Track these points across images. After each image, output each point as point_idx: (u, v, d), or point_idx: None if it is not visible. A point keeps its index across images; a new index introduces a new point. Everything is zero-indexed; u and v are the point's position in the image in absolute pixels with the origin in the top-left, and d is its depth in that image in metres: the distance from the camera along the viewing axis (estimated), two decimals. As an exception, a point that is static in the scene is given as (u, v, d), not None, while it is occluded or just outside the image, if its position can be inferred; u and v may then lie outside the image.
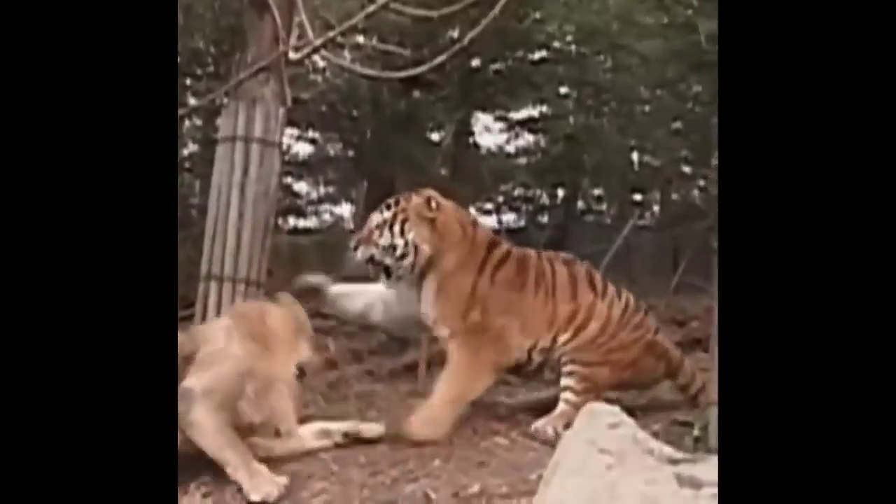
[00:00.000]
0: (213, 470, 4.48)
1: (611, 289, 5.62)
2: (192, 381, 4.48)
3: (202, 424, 4.44)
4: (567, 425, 4.17)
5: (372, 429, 5.01)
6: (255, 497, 4.32)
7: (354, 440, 4.95)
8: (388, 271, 5.44)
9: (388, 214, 5.44)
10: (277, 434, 4.75)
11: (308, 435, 4.89)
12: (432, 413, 5.17)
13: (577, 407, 4.68)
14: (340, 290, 5.63)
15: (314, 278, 5.68)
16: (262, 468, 4.43)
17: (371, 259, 5.42)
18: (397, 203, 5.47)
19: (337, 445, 4.92)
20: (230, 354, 4.61)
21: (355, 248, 5.45)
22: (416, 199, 5.48)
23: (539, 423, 5.20)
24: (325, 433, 4.94)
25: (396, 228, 5.38)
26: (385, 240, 5.37)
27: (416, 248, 5.36)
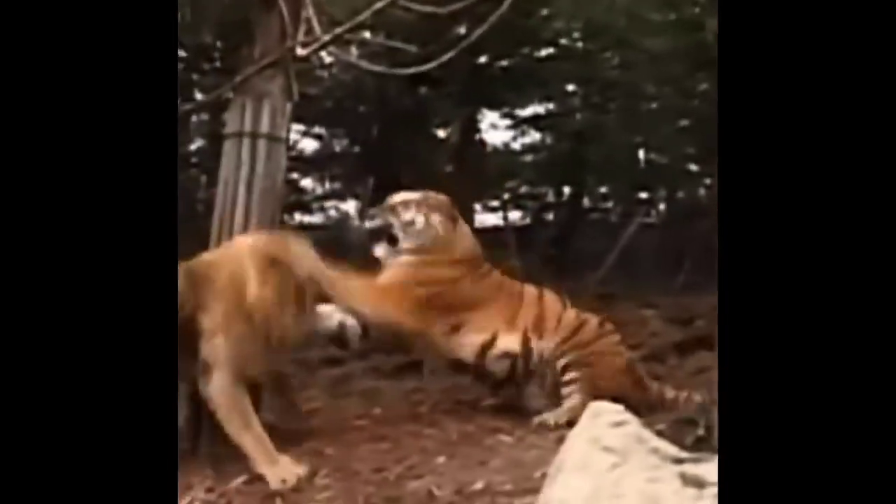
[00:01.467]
0: (216, 461, 4.50)
1: (584, 315, 5.76)
2: (208, 351, 4.53)
3: (219, 403, 4.50)
4: (570, 422, 4.18)
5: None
6: (274, 485, 4.36)
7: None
8: (393, 242, 5.73)
9: (414, 196, 5.78)
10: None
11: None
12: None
13: (581, 404, 4.72)
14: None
15: None
16: (282, 457, 4.47)
17: (387, 227, 5.75)
18: (426, 192, 5.82)
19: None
20: (231, 332, 4.62)
21: (373, 216, 5.84)
22: (442, 196, 5.83)
23: (544, 416, 5.24)
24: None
25: (423, 209, 5.69)
26: (407, 216, 5.69)
27: (434, 232, 5.67)
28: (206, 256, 4.93)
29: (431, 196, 5.81)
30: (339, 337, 5.31)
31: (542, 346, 5.53)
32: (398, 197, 5.80)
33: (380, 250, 5.76)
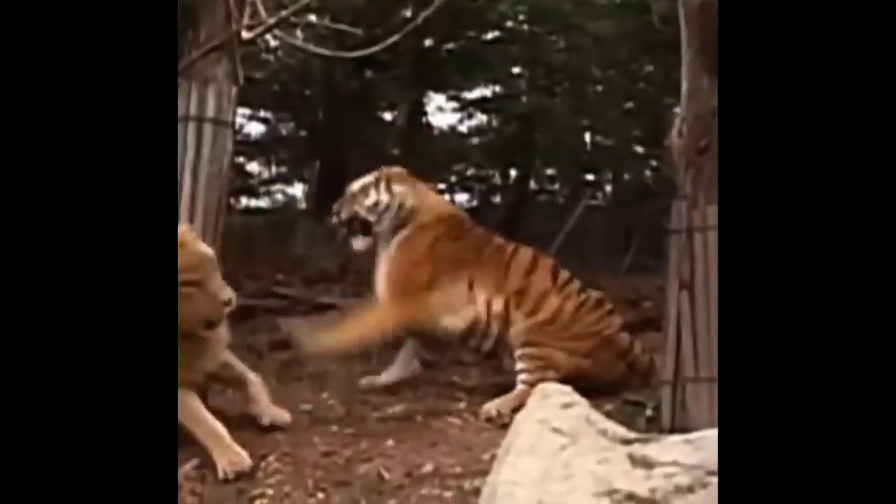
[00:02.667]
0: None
1: (573, 285, 5.72)
2: None
3: None
4: (517, 408, 4.21)
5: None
6: (220, 475, 4.35)
7: None
8: (366, 229, 5.77)
9: (370, 178, 5.83)
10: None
11: None
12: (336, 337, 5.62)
13: (530, 387, 4.75)
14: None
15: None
16: (233, 446, 4.45)
17: (354, 217, 5.78)
18: (380, 170, 5.89)
19: None
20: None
21: (338, 212, 5.83)
22: (396, 168, 5.95)
23: (489, 404, 5.23)
24: None
25: (382, 186, 5.76)
26: (370, 199, 5.74)
27: (401, 202, 5.73)
28: None
29: (386, 171, 5.88)
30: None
31: (516, 323, 5.58)
32: (356, 185, 5.84)
33: (358, 243, 5.85)
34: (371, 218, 5.73)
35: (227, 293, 4.55)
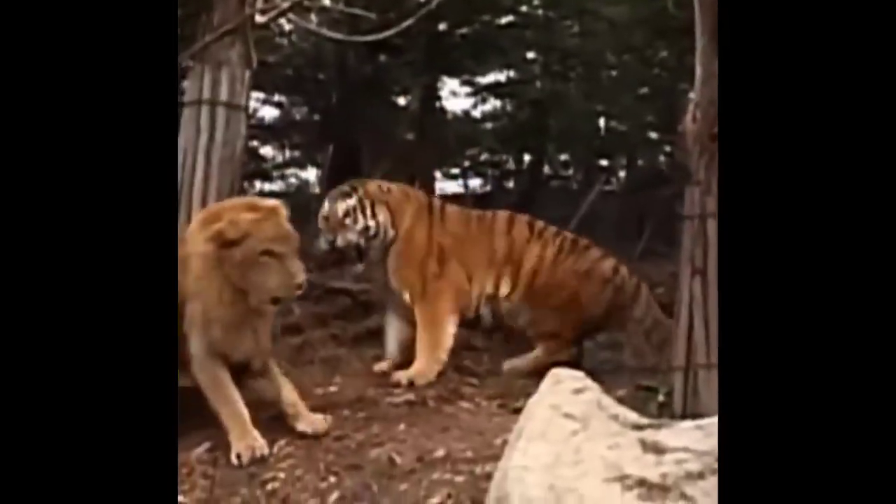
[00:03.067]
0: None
1: (548, 231, 6.03)
2: (186, 331, 4.54)
3: (198, 374, 4.51)
4: (532, 372, 4.28)
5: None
6: (233, 460, 4.36)
7: None
8: (361, 254, 5.81)
9: (352, 202, 5.77)
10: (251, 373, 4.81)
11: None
12: (421, 368, 5.55)
13: (547, 356, 4.94)
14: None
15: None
16: (252, 431, 4.46)
17: (348, 245, 5.78)
18: (356, 190, 5.81)
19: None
20: (203, 297, 4.60)
21: (332, 241, 5.82)
22: (371, 185, 5.89)
23: (510, 361, 5.69)
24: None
25: (368, 212, 5.74)
26: (360, 224, 5.72)
27: (384, 227, 5.75)
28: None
29: (363, 190, 5.82)
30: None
31: (507, 293, 5.77)
32: (339, 210, 5.77)
33: (357, 268, 5.99)
34: (363, 243, 5.78)
35: (302, 276, 4.53)
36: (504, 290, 5.83)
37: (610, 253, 6.21)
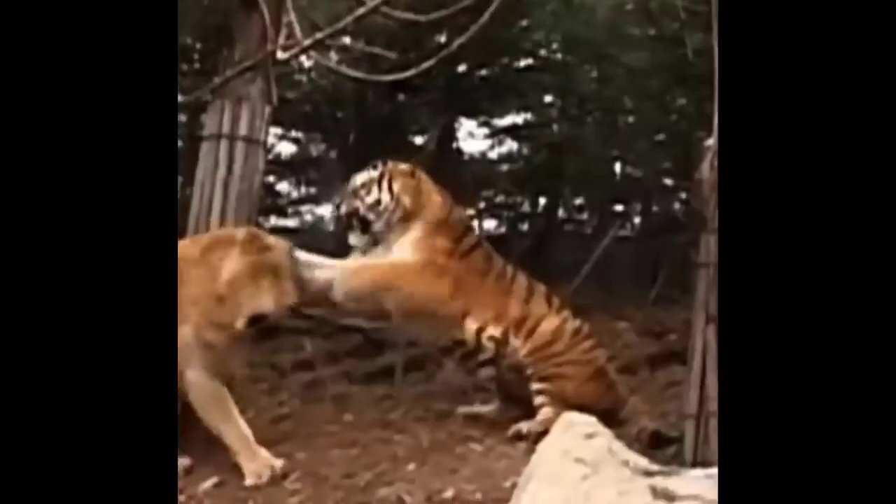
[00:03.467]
0: (186, 468, 4.49)
1: (566, 311, 5.69)
2: (186, 331, 4.53)
3: (195, 396, 4.49)
4: (544, 432, 4.21)
5: None
6: (249, 481, 4.36)
7: None
8: (365, 226, 5.61)
9: (374, 173, 5.66)
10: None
11: None
12: (359, 266, 5.47)
13: (554, 416, 4.78)
14: (306, 259, 5.60)
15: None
16: (261, 451, 4.46)
17: (354, 213, 5.61)
18: (385, 164, 5.70)
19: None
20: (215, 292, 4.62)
21: (338, 205, 5.71)
22: (402, 165, 5.76)
23: (519, 425, 5.23)
24: None
25: (384, 185, 5.60)
26: (372, 196, 5.58)
27: (400, 201, 5.56)
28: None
29: (391, 167, 5.72)
30: (322, 296, 5.46)
31: (518, 349, 5.52)
32: (359, 179, 5.69)
33: (354, 238, 5.66)
34: (371, 216, 5.58)
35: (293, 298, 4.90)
36: (515, 343, 5.52)
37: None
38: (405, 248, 5.54)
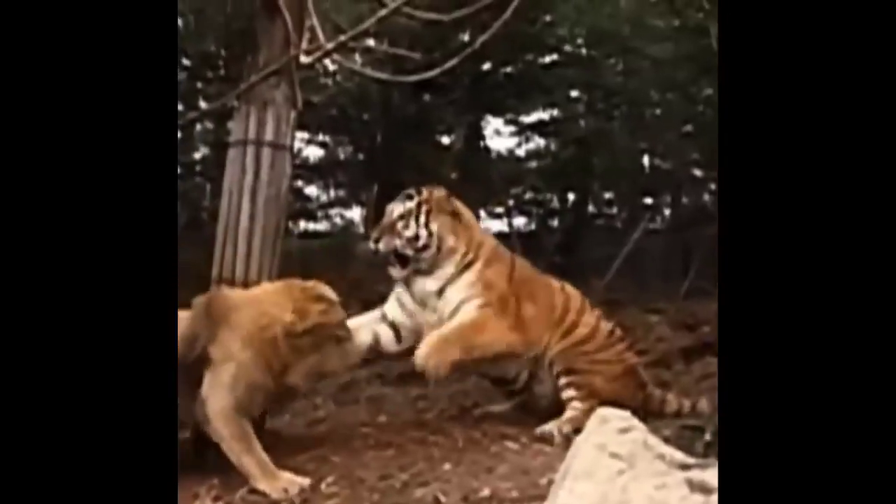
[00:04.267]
0: (222, 472, 4.50)
1: (598, 311, 5.70)
2: (210, 379, 4.52)
3: (221, 430, 4.47)
4: (576, 430, 4.18)
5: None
6: (276, 495, 4.36)
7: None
8: (404, 262, 5.51)
9: (411, 205, 5.55)
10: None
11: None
12: (439, 341, 5.22)
13: (583, 412, 4.76)
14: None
15: None
16: (283, 473, 4.46)
17: (393, 251, 5.50)
18: (420, 193, 5.59)
19: None
20: (242, 360, 4.60)
21: (377, 240, 5.54)
22: (438, 192, 5.62)
23: (546, 427, 5.21)
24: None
25: (422, 219, 5.49)
26: (410, 231, 5.47)
27: (440, 238, 5.46)
28: (228, 292, 4.89)
29: (426, 195, 5.60)
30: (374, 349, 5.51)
31: (551, 349, 5.51)
32: (395, 211, 5.57)
33: (396, 272, 5.54)
34: (409, 252, 5.47)
35: (357, 358, 5.23)
36: (555, 353, 5.51)
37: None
38: (463, 293, 5.46)
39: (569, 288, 5.81)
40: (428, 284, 5.53)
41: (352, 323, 5.24)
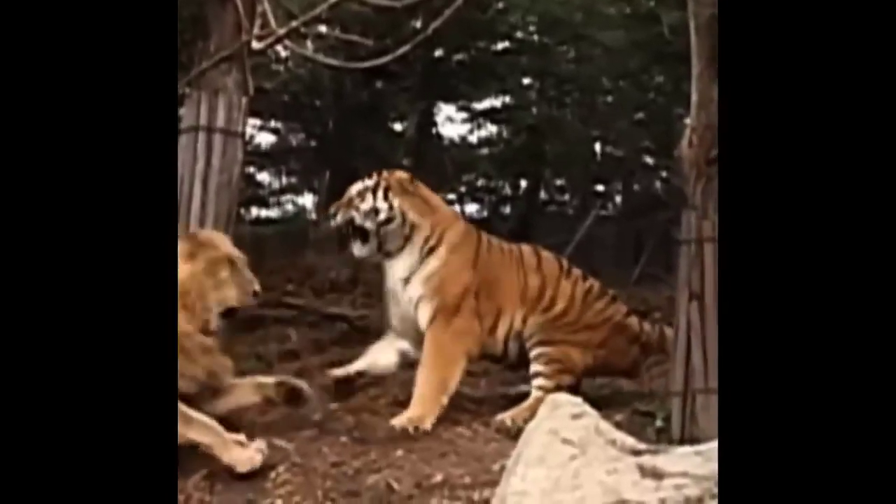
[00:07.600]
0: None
1: (575, 271, 5.72)
2: None
3: None
4: (529, 419, 4.21)
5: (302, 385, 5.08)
6: (241, 469, 4.34)
7: (287, 395, 5.00)
8: (364, 236, 5.52)
9: (369, 182, 5.58)
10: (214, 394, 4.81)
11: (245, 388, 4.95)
12: (422, 412, 5.15)
13: (547, 392, 4.78)
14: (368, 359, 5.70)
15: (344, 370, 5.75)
16: (238, 437, 4.45)
17: (350, 222, 5.53)
18: (380, 174, 5.62)
19: (268, 402, 5.00)
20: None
21: (334, 214, 5.61)
22: (399, 174, 5.69)
23: (502, 415, 5.21)
24: (260, 387, 4.94)
25: (379, 193, 5.50)
26: (367, 204, 5.49)
27: (402, 213, 5.48)
28: None
29: (387, 175, 5.63)
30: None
31: (528, 325, 5.58)
32: (354, 188, 5.61)
33: (359, 250, 5.59)
34: (368, 225, 5.49)
35: (257, 285, 4.86)
36: (532, 326, 5.54)
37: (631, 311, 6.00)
38: (421, 288, 5.47)
39: (545, 254, 5.85)
40: (397, 271, 5.54)
41: (373, 349, 5.60)
